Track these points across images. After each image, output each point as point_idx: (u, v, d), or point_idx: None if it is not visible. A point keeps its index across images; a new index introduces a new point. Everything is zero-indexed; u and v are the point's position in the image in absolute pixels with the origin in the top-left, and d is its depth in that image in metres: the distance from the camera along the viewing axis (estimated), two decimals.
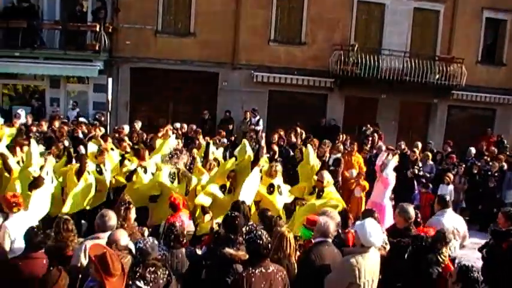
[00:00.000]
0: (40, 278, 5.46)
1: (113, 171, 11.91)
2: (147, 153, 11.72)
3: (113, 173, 11.87)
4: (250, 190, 10.13)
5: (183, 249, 6.72)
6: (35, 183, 9.47)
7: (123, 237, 6.22)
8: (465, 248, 9.48)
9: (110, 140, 13.13)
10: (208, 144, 12.43)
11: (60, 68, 22.01)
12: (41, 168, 9.83)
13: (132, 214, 7.49)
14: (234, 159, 10.90)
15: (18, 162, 10.89)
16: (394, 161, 11.70)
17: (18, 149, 11.31)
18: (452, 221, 8.92)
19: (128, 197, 8.12)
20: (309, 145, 12.29)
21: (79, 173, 10.47)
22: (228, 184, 10.40)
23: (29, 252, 5.85)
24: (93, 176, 10.88)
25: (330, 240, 6.61)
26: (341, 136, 17.12)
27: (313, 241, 6.76)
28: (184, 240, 6.87)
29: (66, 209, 10.13)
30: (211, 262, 6.54)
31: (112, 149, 12.65)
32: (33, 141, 10.76)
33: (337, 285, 6.12)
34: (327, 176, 10.50)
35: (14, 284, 5.58)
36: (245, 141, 11.43)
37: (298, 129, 16.81)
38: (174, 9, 23.12)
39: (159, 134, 12.77)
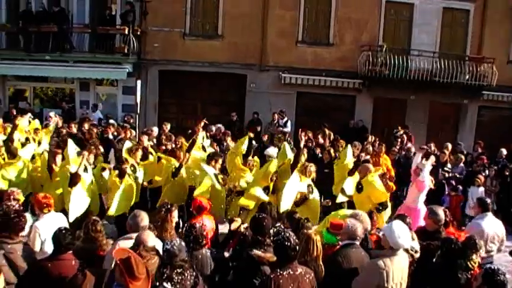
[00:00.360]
0: (68, 279, 5.49)
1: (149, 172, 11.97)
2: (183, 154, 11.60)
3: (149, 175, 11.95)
4: (290, 195, 10.09)
5: (203, 250, 6.70)
6: (73, 180, 9.61)
7: (151, 238, 6.25)
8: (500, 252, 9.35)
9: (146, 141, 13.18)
10: (251, 139, 12.24)
11: (89, 71, 22.32)
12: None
13: (174, 217, 7.51)
14: (275, 161, 10.81)
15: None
16: (429, 164, 11.54)
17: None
18: (492, 225, 8.82)
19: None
20: (349, 145, 12.44)
21: (120, 176, 10.49)
22: (271, 186, 10.34)
23: (57, 253, 5.87)
24: (132, 178, 10.88)
25: (357, 242, 6.57)
26: (370, 137, 16.98)
27: (340, 243, 6.73)
28: (204, 242, 6.84)
29: (112, 211, 10.26)
30: (238, 264, 6.54)
31: (151, 153, 12.67)
32: (70, 141, 10.91)
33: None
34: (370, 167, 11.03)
35: (43, 286, 5.62)
36: (286, 144, 11.39)
37: (327, 131, 16.72)
38: (202, 11, 23.19)
39: (198, 127, 12.59)
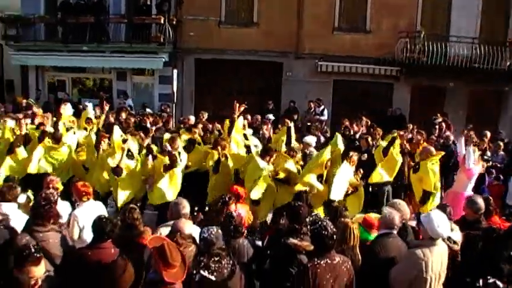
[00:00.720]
0: (108, 267, 5.50)
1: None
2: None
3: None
4: (341, 184, 9.99)
5: (241, 240, 6.67)
6: (116, 172, 9.85)
7: (187, 226, 6.27)
8: None
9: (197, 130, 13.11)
10: (289, 128, 12.10)
11: (126, 61, 22.61)
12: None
13: (230, 210, 7.46)
14: (329, 147, 10.59)
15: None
16: (471, 150, 11.29)
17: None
18: None
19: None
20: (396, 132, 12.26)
21: (167, 167, 10.36)
22: (324, 174, 10.22)
23: (97, 242, 5.91)
24: (180, 169, 10.72)
25: (395, 232, 6.47)
26: (409, 126, 16.68)
27: (378, 232, 6.65)
28: (243, 230, 6.83)
29: (153, 200, 10.42)
30: (275, 252, 6.49)
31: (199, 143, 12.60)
32: (116, 127, 11.01)
33: (403, 278, 5.98)
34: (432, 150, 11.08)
35: (83, 274, 5.64)
36: (338, 134, 11.22)
37: (364, 119, 16.52)
38: None
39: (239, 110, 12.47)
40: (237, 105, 11.83)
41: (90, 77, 25.87)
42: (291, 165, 10.47)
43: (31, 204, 6.82)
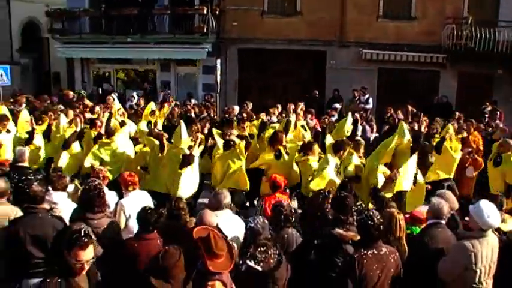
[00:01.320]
0: (160, 257, 5.52)
1: None
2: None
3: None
4: (410, 176, 9.73)
5: (289, 229, 6.64)
6: (186, 161, 9.69)
7: (213, 218, 6.30)
8: None
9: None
10: (355, 121, 11.90)
11: (170, 52, 22.83)
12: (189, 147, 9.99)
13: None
14: (397, 136, 10.36)
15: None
16: None
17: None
18: None
19: None
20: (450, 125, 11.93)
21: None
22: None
23: (142, 233, 5.98)
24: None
25: (443, 222, 6.34)
26: (456, 114, 16.32)
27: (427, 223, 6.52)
28: (293, 219, 6.78)
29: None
30: (320, 242, 6.43)
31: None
32: (182, 122, 10.72)
33: (451, 270, 5.87)
34: None
35: (130, 265, 5.70)
36: (403, 123, 10.86)
37: (410, 107, 16.24)
38: None
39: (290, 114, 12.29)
40: (292, 106, 11.80)
41: (134, 68, 26.19)
42: (356, 159, 10.14)
43: (79, 193, 6.95)
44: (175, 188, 9.57)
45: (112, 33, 23.38)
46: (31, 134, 11.23)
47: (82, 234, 4.79)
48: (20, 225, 5.96)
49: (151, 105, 14.37)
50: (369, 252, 5.50)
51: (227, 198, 6.90)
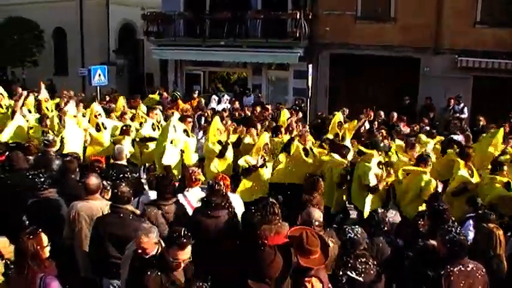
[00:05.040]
0: (256, 256, 5.63)
1: None
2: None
3: None
4: None
5: (381, 238, 6.58)
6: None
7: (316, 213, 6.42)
8: None
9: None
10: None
11: (261, 56, 23.02)
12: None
13: None
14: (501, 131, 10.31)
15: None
16: None
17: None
18: None
19: None
20: None
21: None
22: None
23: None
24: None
25: None
26: None
27: None
28: (386, 228, 6.69)
29: None
30: (414, 253, 6.34)
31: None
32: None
33: None
34: None
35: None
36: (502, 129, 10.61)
37: None
38: None
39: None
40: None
41: (225, 71, 26.69)
42: (464, 173, 9.65)
43: None
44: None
45: (205, 36, 23.84)
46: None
47: (182, 234, 5.04)
48: (101, 223, 6.38)
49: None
50: (455, 269, 5.42)
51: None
